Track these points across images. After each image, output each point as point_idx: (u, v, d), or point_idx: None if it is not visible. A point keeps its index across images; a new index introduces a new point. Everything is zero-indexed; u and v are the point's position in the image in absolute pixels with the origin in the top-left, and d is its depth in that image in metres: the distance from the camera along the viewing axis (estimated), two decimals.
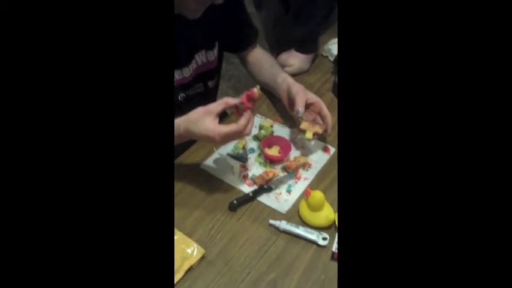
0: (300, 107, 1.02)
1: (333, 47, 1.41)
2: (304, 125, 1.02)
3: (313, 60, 1.38)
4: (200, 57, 1.12)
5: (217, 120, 0.86)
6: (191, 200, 0.95)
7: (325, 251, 0.85)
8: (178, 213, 0.90)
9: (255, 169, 1.02)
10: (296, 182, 0.99)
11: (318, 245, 0.86)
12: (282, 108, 1.15)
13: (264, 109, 1.22)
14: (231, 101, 0.86)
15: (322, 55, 1.43)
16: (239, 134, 0.87)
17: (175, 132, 0.87)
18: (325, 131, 1.04)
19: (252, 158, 1.05)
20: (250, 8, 1.32)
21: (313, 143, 1.07)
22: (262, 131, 1.10)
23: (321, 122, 1.05)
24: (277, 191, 0.97)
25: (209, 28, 1.10)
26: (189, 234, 0.87)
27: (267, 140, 1.08)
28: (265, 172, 0.99)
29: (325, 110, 1.04)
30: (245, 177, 1.00)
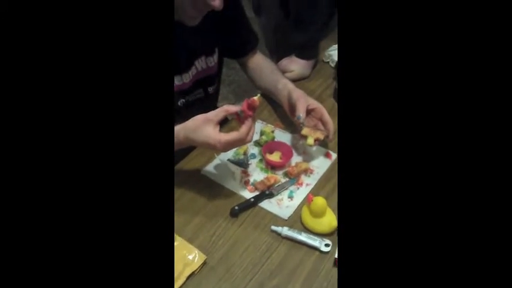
0: (301, 112, 1.02)
1: (333, 52, 1.41)
2: (305, 131, 1.02)
3: (314, 66, 1.38)
4: (200, 63, 1.12)
5: (217, 128, 0.86)
6: (192, 206, 0.95)
7: (328, 258, 0.84)
8: (178, 219, 0.90)
9: (256, 175, 1.02)
10: (298, 188, 0.99)
11: (321, 252, 0.85)
12: (283, 114, 1.15)
13: (265, 115, 1.21)
14: (232, 108, 0.86)
15: (323, 61, 1.43)
16: (241, 142, 0.87)
17: (174, 139, 0.87)
18: (327, 136, 1.03)
19: (253, 163, 1.05)
20: (250, 14, 1.32)
21: (314, 148, 1.07)
22: (264, 137, 1.10)
23: (322, 128, 1.05)
24: (279, 196, 0.97)
25: (209, 34, 1.10)
26: (190, 241, 0.86)
27: (268, 146, 1.07)
28: (267, 178, 0.99)
29: (327, 116, 1.04)
30: (246, 183, 1.00)
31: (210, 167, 1.04)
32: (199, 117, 0.87)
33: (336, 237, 0.87)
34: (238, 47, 1.23)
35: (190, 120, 0.88)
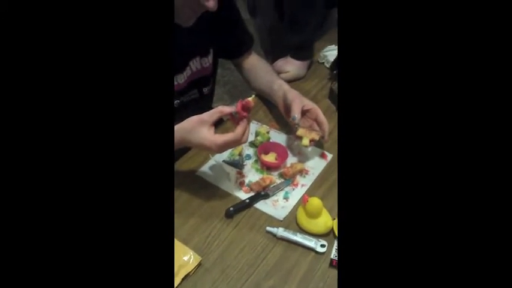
0: (296, 113, 1.02)
1: (328, 53, 1.41)
2: (300, 132, 1.02)
3: (309, 67, 1.38)
4: (195, 64, 1.12)
5: (212, 129, 0.86)
6: (187, 207, 0.94)
7: (324, 258, 0.84)
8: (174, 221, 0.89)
9: (252, 176, 1.02)
10: (293, 189, 0.99)
11: (316, 252, 0.85)
12: (278, 115, 1.15)
13: (260, 115, 1.21)
14: (226, 109, 0.86)
15: (318, 62, 1.43)
16: (236, 143, 0.87)
17: None
18: (322, 137, 1.03)
19: (249, 164, 1.05)
20: (245, 15, 1.32)
21: (310, 149, 1.07)
22: (259, 138, 1.09)
23: (317, 128, 1.05)
24: (274, 197, 0.96)
25: (204, 35, 1.10)
26: (185, 242, 0.85)
27: (263, 147, 1.07)
28: (262, 179, 0.99)
29: (322, 117, 1.04)
30: (241, 183, 0.99)
31: (205, 168, 1.04)
32: (193, 119, 0.86)
33: (331, 237, 0.87)
34: (233, 47, 1.23)
35: (185, 121, 0.87)
